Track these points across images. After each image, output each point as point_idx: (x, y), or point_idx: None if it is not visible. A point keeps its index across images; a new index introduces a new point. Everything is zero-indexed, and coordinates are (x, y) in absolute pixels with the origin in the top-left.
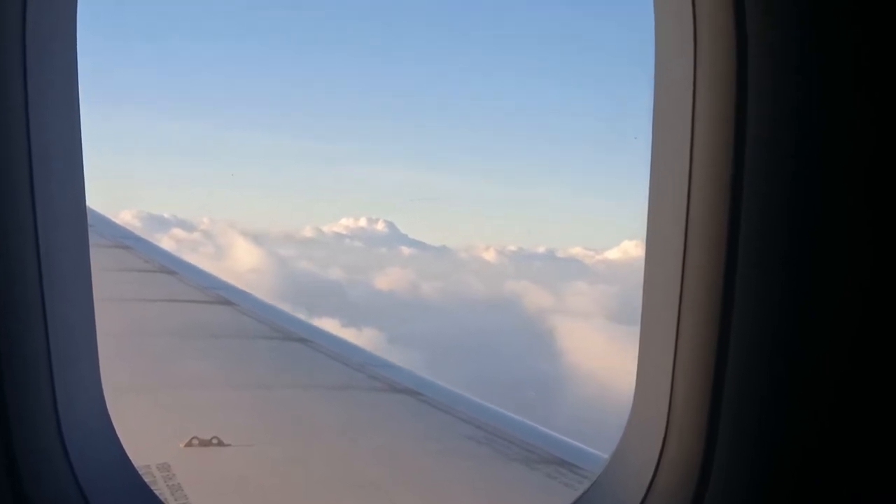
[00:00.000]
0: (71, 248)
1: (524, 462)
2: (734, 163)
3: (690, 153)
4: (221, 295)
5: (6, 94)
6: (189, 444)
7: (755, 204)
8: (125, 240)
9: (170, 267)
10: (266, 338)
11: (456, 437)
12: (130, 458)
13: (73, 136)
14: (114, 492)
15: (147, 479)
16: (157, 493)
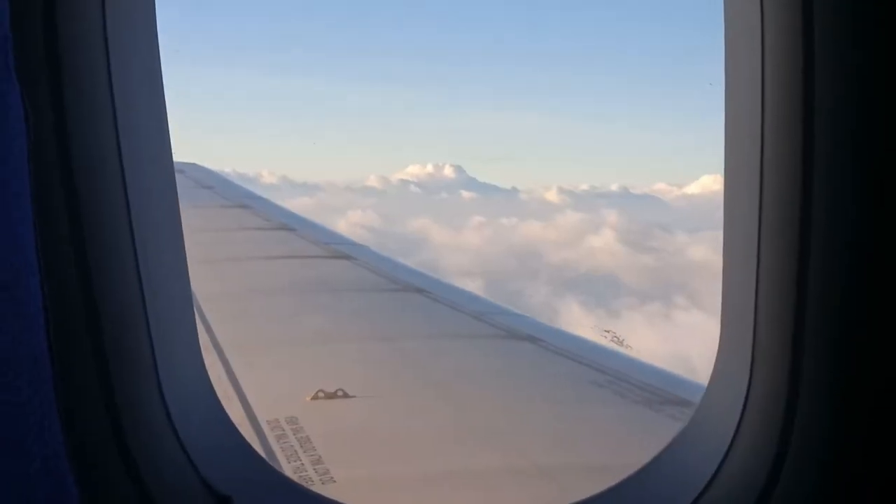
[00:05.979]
0: (164, 227)
1: (647, 404)
2: (805, 103)
3: (762, 87)
4: (340, 249)
5: (91, 62)
6: (315, 398)
7: (827, 143)
8: (245, 199)
9: (289, 224)
10: (385, 290)
11: (579, 383)
12: (259, 413)
13: (159, 105)
14: (230, 470)
15: (276, 433)
16: (287, 445)
